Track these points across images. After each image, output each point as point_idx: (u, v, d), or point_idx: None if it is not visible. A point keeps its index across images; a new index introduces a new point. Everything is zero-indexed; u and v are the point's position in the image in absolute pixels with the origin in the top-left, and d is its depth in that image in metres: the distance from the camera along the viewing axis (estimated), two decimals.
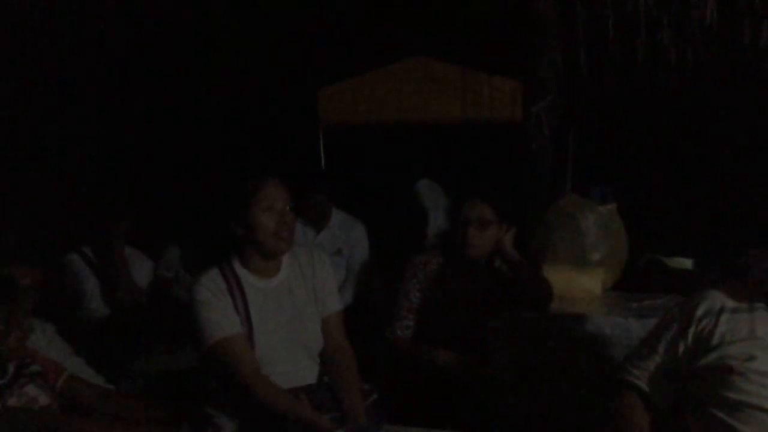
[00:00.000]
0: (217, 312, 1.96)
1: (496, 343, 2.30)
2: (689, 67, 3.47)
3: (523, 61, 3.57)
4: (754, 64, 3.38)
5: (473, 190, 2.46)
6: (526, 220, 2.79)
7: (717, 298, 1.56)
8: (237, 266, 2.03)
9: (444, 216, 4.19)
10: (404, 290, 2.48)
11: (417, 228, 4.37)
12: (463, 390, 2.23)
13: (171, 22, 4.68)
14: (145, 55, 4.69)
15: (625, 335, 2.15)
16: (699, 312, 1.56)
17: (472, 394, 2.22)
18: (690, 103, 3.64)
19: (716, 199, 3.38)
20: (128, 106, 4.73)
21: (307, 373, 2.07)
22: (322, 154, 4.71)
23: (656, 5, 3.53)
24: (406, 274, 2.50)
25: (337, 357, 2.09)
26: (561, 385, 2.20)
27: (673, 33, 3.53)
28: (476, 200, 2.40)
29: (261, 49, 4.91)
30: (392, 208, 4.60)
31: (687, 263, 2.89)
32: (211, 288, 1.98)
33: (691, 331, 1.55)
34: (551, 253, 2.67)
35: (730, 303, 1.54)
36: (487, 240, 2.38)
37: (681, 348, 1.56)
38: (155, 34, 4.69)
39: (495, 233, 2.39)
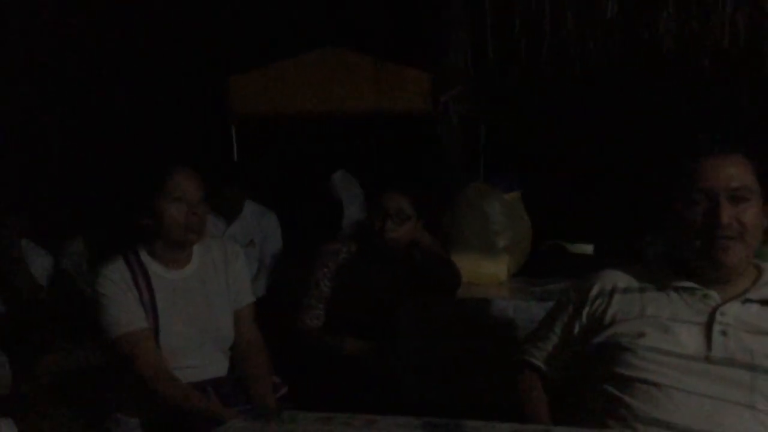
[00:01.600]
0: (120, 305, 1.91)
1: (405, 329, 2.34)
2: (592, 60, 3.62)
3: (434, 54, 3.64)
4: (651, 56, 3.54)
5: (392, 181, 2.49)
6: (438, 209, 2.85)
7: (610, 280, 1.63)
8: (144, 256, 1.99)
9: (359, 207, 4.22)
10: (314, 279, 2.47)
11: (332, 219, 4.37)
12: (373, 376, 2.26)
13: (79, 7, 4.50)
14: (46, 44, 4.49)
15: (527, 317, 2.22)
16: (593, 293, 1.62)
17: (382, 381, 2.25)
18: (592, 95, 3.79)
19: (615, 187, 3.55)
20: (27, 97, 4.52)
21: (217, 367, 2.05)
22: (235, 145, 4.64)
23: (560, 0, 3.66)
24: (316, 263, 2.50)
25: (248, 350, 2.08)
26: (468, 367, 2.26)
27: (576, 27, 3.66)
28: (395, 192, 2.42)
29: (170, 35, 4.79)
30: (307, 199, 4.59)
31: (588, 249, 3.02)
32: (114, 279, 1.93)
33: (586, 311, 1.61)
34: (459, 240, 2.73)
35: (621, 283, 1.61)
36: (404, 232, 2.41)
37: (576, 327, 1.62)
38: (57, 20, 4.49)
39: (412, 225, 2.43)
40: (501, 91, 3.79)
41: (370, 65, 4.55)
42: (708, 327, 1.46)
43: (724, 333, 1.45)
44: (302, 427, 1.24)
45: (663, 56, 3.54)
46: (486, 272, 2.68)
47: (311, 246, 2.69)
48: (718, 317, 1.47)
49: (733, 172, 1.48)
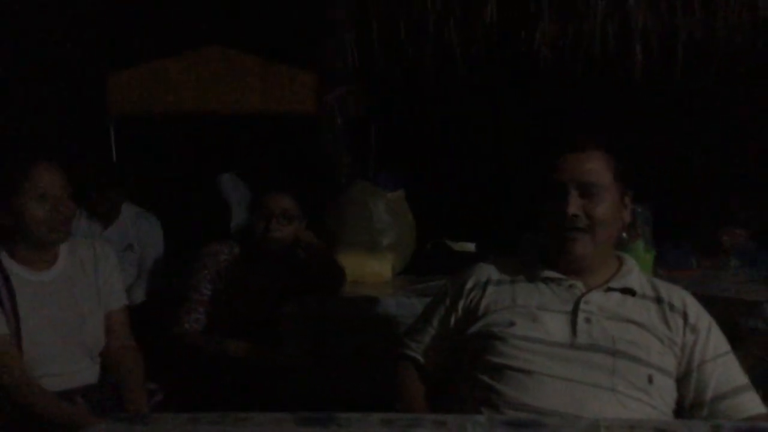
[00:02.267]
0: None
1: (289, 329, 2.31)
2: (474, 63, 3.71)
3: (320, 54, 3.62)
4: (530, 59, 3.67)
5: (276, 182, 2.46)
6: (323, 207, 2.84)
7: (484, 272, 1.68)
8: (4, 258, 1.87)
9: (247, 209, 4.13)
10: (193, 282, 2.40)
11: (219, 223, 4.26)
12: (256, 379, 2.22)
13: None
14: None
15: (410, 313, 2.24)
16: (468, 285, 1.67)
17: (266, 383, 2.21)
18: (475, 97, 3.89)
19: (496, 187, 3.66)
20: None
21: (87, 374, 1.95)
22: (113, 145, 4.43)
23: (443, 5, 3.73)
24: (195, 266, 2.43)
25: (120, 355, 2.00)
26: (352, 365, 2.26)
27: (458, 31, 3.75)
28: (279, 193, 2.40)
29: (45, 29, 4.52)
30: (192, 202, 4.45)
31: (470, 247, 3.09)
32: None
33: (461, 303, 1.65)
34: (343, 240, 2.73)
35: (495, 276, 1.66)
36: (288, 232, 2.38)
37: (452, 320, 1.66)
38: None
39: (297, 225, 2.41)
40: (387, 92, 3.83)
41: (257, 65, 4.47)
42: (573, 315, 1.53)
43: (588, 320, 1.52)
44: (169, 429, 1.19)
45: (540, 61, 3.68)
46: (370, 271, 2.69)
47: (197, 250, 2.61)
48: (582, 306, 1.54)
49: (587, 167, 1.56)
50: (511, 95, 3.96)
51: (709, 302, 1.63)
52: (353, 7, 3.58)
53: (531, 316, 1.54)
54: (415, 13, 3.65)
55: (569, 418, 1.31)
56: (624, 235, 2.53)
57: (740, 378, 1.54)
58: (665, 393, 1.47)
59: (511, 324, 1.53)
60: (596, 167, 1.56)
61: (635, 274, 1.63)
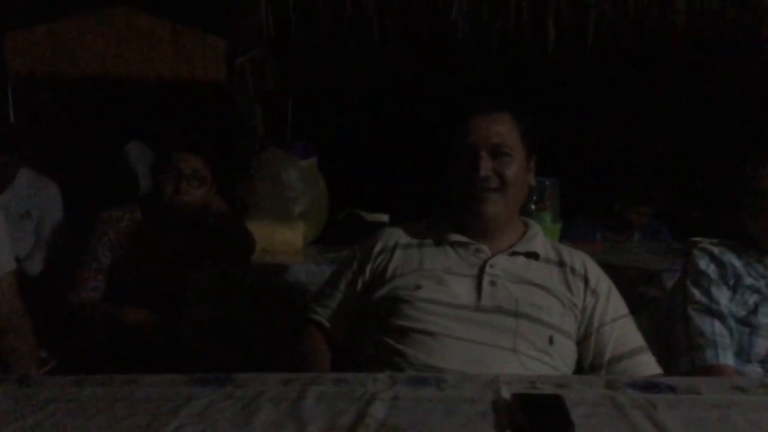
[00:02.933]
0: None
1: (194, 297, 2.23)
2: (392, 37, 3.68)
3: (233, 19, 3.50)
4: (448, 33, 3.67)
5: (184, 143, 2.36)
6: (234, 174, 2.75)
7: (392, 236, 1.67)
8: None
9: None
10: (91, 249, 2.27)
11: (126, 194, 4.07)
12: (156, 347, 2.13)
13: None
14: None
15: (320, 281, 2.19)
16: (376, 249, 1.65)
17: (166, 351, 2.13)
18: (391, 68, 3.85)
19: (409, 158, 3.65)
20: None
21: None
22: (11, 108, 4.18)
23: None
24: (94, 232, 2.30)
25: (8, 321, 1.88)
26: (258, 333, 2.21)
27: (376, 4, 3.71)
28: (190, 153, 2.29)
29: None
30: (97, 170, 4.25)
31: (384, 218, 3.07)
32: None
33: (369, 267, 1.63)
34: (254, 207, 2.66)
35: (403, 240, 1.65)
36: (198, 196, 2.29)
37: (359, 283, 1.64)
38: None
39: (207, 190, 2.32)
40: (302, 62, 3.75)
41: (167, 29, 4.31)
42: (479, 278, 1.54)
43: (492, 283, 1.53)
44: (55, 391, 1.11)
45: (456, 37, 3.68)
46: (281, 239, 2.64)
47: None
48: (487, 269, 1.55)
49: (496, 129, 1.57)
50: (427, 66, 3.94)
51: (610, 271, 1.67)
52: None
53: (437, 279, 1.54)
54: None
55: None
56: (532, 206, 2.58)
57: (638, 340, 1.58)
58: (565, 354, 1.50)
59: (418, 287, 1.53)
60: (505, 129, 1.58)
61: (539, 238, 1.66)
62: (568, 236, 2.80)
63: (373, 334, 1.56)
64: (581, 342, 1.56)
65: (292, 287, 2.27)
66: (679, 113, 3.61)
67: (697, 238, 1.85)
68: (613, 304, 1.60)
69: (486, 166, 1.54)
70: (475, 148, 1.55)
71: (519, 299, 1.51)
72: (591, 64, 3.74)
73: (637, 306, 1.80)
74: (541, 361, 1.46)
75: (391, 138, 3.79)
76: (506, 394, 1.06)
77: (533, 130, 1.64)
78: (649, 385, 1.12)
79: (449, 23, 3.62)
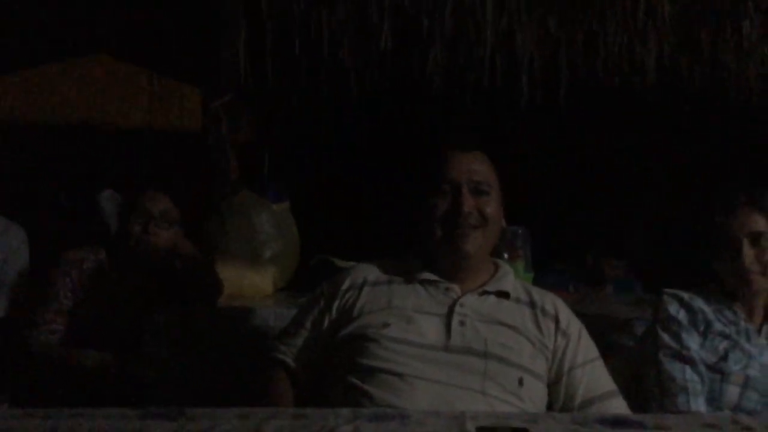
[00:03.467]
0: None
1: (155, 339, 2.16)
2: (369, 86, 3.72)
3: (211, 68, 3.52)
4: (423, 85, 3.72)
5: (153, 184, 2.34)
6: (203, 216, 2.71)
7: (361, 273, 1.64)
8: None
9: None
10: (53, 290, 2.22)
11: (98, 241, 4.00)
12: (114, 391, 2.06)
13: None
14: None
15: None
16: (344, 286, 1.61)
17: (126, 393, 2.06)
18: (369, 119, 3.88)
19: (383, 202, 3.62)
20: None
21: None
22: None
23: (339, 29, 3.74)
24: (56, 273, 2.25)
25: None
26: (222, 377, 2.13)
27: (355, 56, 3.77)
28: (159, 193, 2.28)
29: None
30: (69, 218, 4.19)
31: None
32: None
33: (336, 304, 1.59)
34: (223, 250, 2.61)
35: (372, 277, 1.62)
36: (166, 238, 2.26)
37: (326, 322, 1.59)
38: None
39: (176, 232, 2.29)
40: (279, 110, 3.77)
41: (143, 78, 4.32)
42: (448, 318, 1.50)
43: (462, 323, 1.50)
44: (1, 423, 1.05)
45: (431, 90, 3.74)
46: (250, 284, 2.59)
47: None
48: (457, 308, 1.52)
49: (476, 167, 1.58)
50: (402, 119, 3.99)
51: (581, 320, 1.64)
52: (245, 25, 3.52)
53: (406, 318, 1.50)
54: (311, 33, 3.64)
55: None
56: (505, 255, 2.57)
57: (608, 384, 1.56)
58: (535, 396, 1.46)
59: (385, 325, 1.49)
60: (483, 167, 1.59)
61: (509, 278, 1.64)
62: (540, 286, 2.77)
63: (338, 374, 1.51)
64: (552, 385, 1.52)
65: (259, 331, 2.20)
66: (649, 166, 3.67)
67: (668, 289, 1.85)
68: (584, 347, 1.58)
69: (469, 204, 1.53)
70: (456, 184, 1.54)
71: (488, 339, 1.47)
72: (564, 118, 3.81)
73: (608, 354, 1.77)
74: (510, 403, 1.41)
75: (366, 183, 3.77)
76: (471, 428, 1.02)
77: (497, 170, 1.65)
78: (617, 421, 1.09)
79: (425, 76, 3.69)
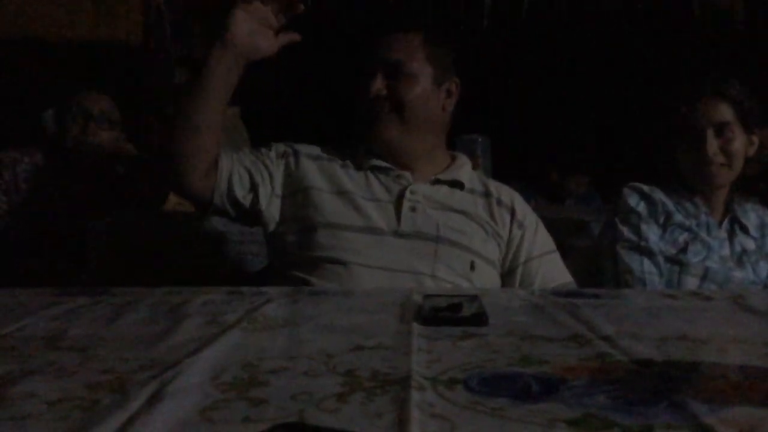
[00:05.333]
0: None
1: (94, 247, 2.05)
2: None
3: None
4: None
5: (98, 83, 2.20)
6: (147, 120, 2.57)
7: (316, 149, 1.54)
8: None
9: None
10: None
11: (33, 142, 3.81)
12: None
13: None
14: None
15: (239, 231, 2.06)
16: (299, 147, 1.53)
17: None
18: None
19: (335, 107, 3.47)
20: None
21: None
22: None
23: None
24: None
25: None
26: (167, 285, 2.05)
27: None
28: (99, 93, 2.15)
29: None
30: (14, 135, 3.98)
31: None
32: None
33: (287, 160, 1.50)
34: None
35: (326, 154, 1.53)
36: (107, 139, 2.13)
37: (273, 160, 1.49)
38: None
39: (118, 134, 2.16)
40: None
41: None
42: (398, 204, 1.44)
43: (413, 209, 1.44)
44: None
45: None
46: None
47: None
48: (407, 195, 1.45)
49: (395, 46, 1.47)
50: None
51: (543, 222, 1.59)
52: None
53: (354, 205, 1.43)
54: None
55: None
56: None
57: (565, 276, 1.52)
58: (487, 281, 1.41)
59: (334, 211, 1.41)
60: (405, 47, 1.48)
61: (466, 169, 1.57)
62: None
63: (282, 271, 1.43)
64: (507, 275, 1.47)
65: (207, 237, 2.11)
66: (611, 78, 3.60)
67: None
68: (540, 239, 1.53)
69: (376, 85, 1.44)
70: (369, 66, 1.46)
71: (440, 224, 1.41)
72: (526, 31, 3.70)
73: (565, 256, 1.73)
74: (461, 287, 1.36)
75: (321, 85, 3.58)
76: (418, 298, 0.95)
77: (447, 52, 1.54)
78: (572, 293, 1.04)
79: None
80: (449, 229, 1.40)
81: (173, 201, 2.35)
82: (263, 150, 1.51)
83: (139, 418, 0.49)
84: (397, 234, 1.39)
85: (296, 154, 1.51)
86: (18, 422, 0.49)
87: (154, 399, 0.53)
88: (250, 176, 1.43)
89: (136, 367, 0.62)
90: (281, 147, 1.53)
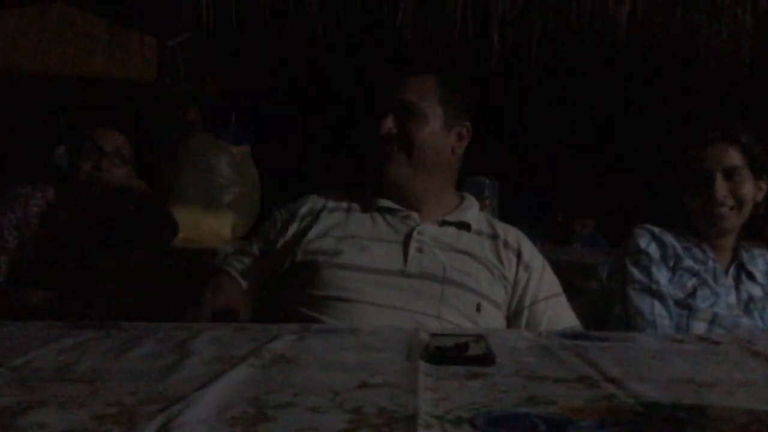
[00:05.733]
0: None
1: (102, 280, 2.06)
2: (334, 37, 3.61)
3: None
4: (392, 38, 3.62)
5: (106, 119, 2.23)
6: (158, 157, 2.60)
7: (321, 199, 1.57)
8: None
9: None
10: None
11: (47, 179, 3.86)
12: None
13: None
14: None
15: None
16: (302, 211, 1.54)
17: None
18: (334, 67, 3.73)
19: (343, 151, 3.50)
20: None
21: None
22: None
23: None
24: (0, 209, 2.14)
25: None
26: (173, 316, 2.05)
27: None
28: (113, 130, 2.19)
29: None
30: (23, 171, 4.03)
31: None
32: None
33: (292, 227, 1.52)
34: (180, 193, 2.51)
35: (331, 204, 1.55)
36: (119, 176, 2.16)
37: (280, 243, 1.51)
38: None
39: (129, 171, 2.19)
40: (244, 64, 3.64)
41: (102, 27, 4.14)
42: (405, 244, 1.45)
43: (420, 250, 1.45)
44: None
45: (400, 43, 3.65)
46: (208, 229, 2.49)
47: None
48: (415, 236, 1.46)
49: (409, 87, 1.50)
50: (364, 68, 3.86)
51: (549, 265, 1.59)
52: None
53: (360, 246, 1.44)
54: None
55: None
56: None
57: (571, 320, 1.51)
58: (493, 323, 1.41)
59: (338, 252, 1.42)
60: (418, 89, 1.50)
61: (473, 211, 1.58)
62: None
63: (289, 307, 1.43)
64: (513, 317, 1.47)
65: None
66: (618, 122, 3.63)
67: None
68: (547, 281, 1.53)
69: (387, 124, 1.46)
70: (381, 105, 1.48)
71: (446, 265, 1.41)
72: (535, 75, 3.74)
73: (573, 299, 1.73)
74: (465, 328, 1.36)
75: (330, 130, 3.62)
76: (424, 336, 0.95)
77: (460, 96, 1.56)
78: (579, 335, 1.03)
79: (394, 28, 3.59)
80: (455, 271, 1.41)
81: (182, 237, 2.37)
82: (266, 235, 1.56)
83: None
84: (404, 274, 1.40)
85: (307, 215, 1.53)
86: None
87: None
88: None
89: (143, 400, 0.62)
90: (281, 218, 1.56)
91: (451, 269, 1.40)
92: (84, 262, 2.08)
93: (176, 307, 2.04)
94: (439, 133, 1.50)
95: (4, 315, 1.99)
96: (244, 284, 1.50)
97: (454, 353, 0.80)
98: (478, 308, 1.38)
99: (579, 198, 3.53)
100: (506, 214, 2.64)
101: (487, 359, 0.80)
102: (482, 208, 2.62)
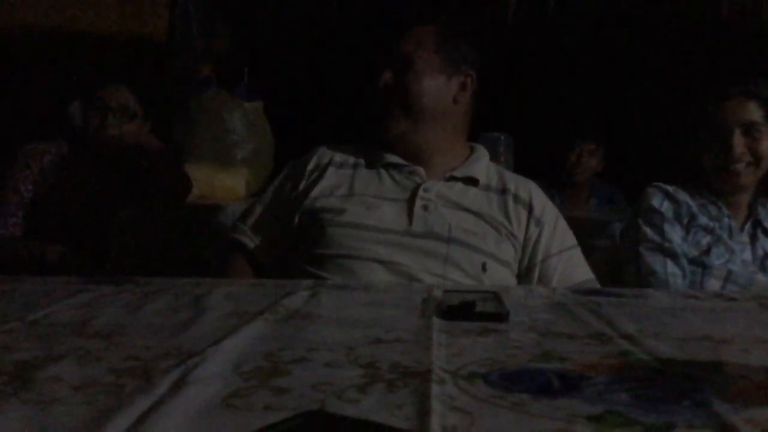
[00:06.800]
0: None
1: (119, 237, 2.08)
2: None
3: None
4: None
5: (113, 76, 2.21)
6: (171, 113, 2.58)
7: (328, 154, 1.56)
8: None
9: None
10: (12, 183, 2.12)
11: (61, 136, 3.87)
12: None
13: None
14: None
15: None
16: (310, 166, 1.53)
17: None
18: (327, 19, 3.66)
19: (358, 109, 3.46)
20: None
21: None
22: None
23: None
24: (16, 165, 2.15)
25: None
26: (188, 271, 2.07)
27: None
28: (119, 86, 2.17)
29: None
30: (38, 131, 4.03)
31: None
32: None
33: (302, 184, 1.51)
34: (193, 150, 2.50)
35: (338, 158, 1.54)
36: (127, 131, 2.15)
37: (290, 198, 1.51)
38: None
39: (138, 126, 2.18)
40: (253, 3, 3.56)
41: None
42: (410, 203, 1.44)
43: (425, 208, 1.43)
44: None
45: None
46: (221, 185, 2.49)
47: None
48: (420, 193, 1.45)
49: (405, 40, 1.49)
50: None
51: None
52: None
53: (365, 204, 1.43)
54: None
55: None
56: None
57: (586, 273, 1.50)
58: (499, 282, 1.39)
59: (342, 211, 1.41)
60: (415, 40, 1.49)
61: (482, 163, 1.55)
62: None
63: (297, 266, 1.43)
64: (524, 274, 1.46)
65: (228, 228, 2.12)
66: (637, 78, 3.56)
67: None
68: (559, 235, 1.50)
69: (384, 77, 1.46)
70: (379, 60, 1.48)
71: (452, 225, 1.40)
72: (553, 30, 3.67)
73: (587, 255, 1.72)
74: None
75: (342, 85, 3.57)
76: (438, 293, 0.95)
77: (461, 45, 1.53)
78: (594, 291, 1.03)
79: None
80: (461, 230, 1.39)
81: (195, 193, 2.38)
82: (276, 192, 1.57)
83: (163, 404, 0.50)
84: (409, 234, 1.38)
85: (315, 170, 1.53)
86: (44, 406, 0.50)
87: (178, 386, 0.54)
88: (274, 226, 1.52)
89: (160, 355, 0.63)
90: (290, 173, 1.57)
91: (456, 228, 1.39)
92: (100, 218, 2.09)
93: (191, 262, 2.06)
94: (437, 83, 1.48)
95: (21, 269, 2.03)
96: (251, 246, 1.51)
97: (468, 309, 0.80)
98: (484, 268, 1.37)
99: (582, 125, 3.47)
100: (522, 172, 2.62)
101: (500, 315, 0.80)
102: (498, 163, 2.62)
